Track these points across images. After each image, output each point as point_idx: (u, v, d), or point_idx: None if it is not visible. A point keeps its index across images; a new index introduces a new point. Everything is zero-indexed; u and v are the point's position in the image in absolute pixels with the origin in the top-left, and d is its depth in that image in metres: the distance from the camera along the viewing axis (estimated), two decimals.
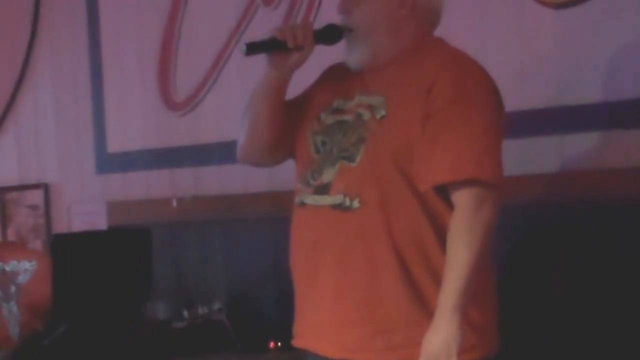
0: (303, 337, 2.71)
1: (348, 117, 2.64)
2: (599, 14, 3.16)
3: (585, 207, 3.14)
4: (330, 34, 2.68)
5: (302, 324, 2.72)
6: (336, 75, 2.75)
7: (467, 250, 2.48)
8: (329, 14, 3.06)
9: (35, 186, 5.25)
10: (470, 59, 2.63)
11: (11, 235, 5.37)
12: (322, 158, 2.65)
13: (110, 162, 4.88)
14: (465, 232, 2.49)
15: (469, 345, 2.52)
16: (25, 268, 4.02)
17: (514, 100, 2.83)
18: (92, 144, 4.95)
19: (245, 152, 2.82)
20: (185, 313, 4.10)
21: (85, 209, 4.96)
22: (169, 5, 4.53)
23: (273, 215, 3.75)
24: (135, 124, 4.74)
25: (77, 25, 4.97)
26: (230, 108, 4.19)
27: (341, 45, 2.71)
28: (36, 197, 5.24)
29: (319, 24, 2.72)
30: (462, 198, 2.51)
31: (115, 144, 4.86)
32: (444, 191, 2.54)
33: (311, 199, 2.64)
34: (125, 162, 4.79)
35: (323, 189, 2.62)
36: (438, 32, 2.73)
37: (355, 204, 2.57)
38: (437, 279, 2.52)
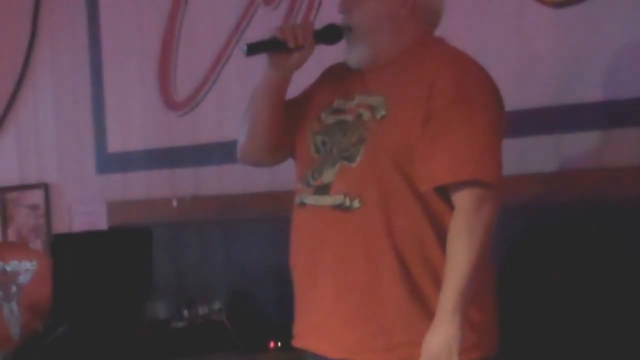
0: (303, 337, 2.72)
1: (348, 117, 2.64)
2: (599, 13, 3.16)
3: (584, 207, 3.14)
4: (330, 34, 2.68)
5: (302, 324, 2.72)
6: (336, 75, 2.75)
7: (467, 250, 2.48)
8: (329, 14, 3.06)
9: (36, 186, 5.25)
10: (470, 58, 2.63)
11: (11, 235, 5.37)
12: (322, 158, 2.65)
13: (110, 162, 4.88)
14: (466, 233, 2.49)
15: (469, 345, 2.52)
16: (26, 268, 4.03)
17: (513, 100, 2.83)
18: (92, 144, 4.96)
19: (245, 152, 2.82)
20: (185, 313, 4.10)
21: (85, 209, 4.96)
22: (169, 5, 4.54)
23: (273, 215, 3.75)
24: (135, 124, 4.75)
25: (77, 25, 4.98)
26: (230, 108, 4.20)
27: (341, 45, 2.71)
28: (36, 197, 5.25)
29: (319, 23, 2.72)
30: (463, 198, 2.51)
31: (115, 144, 4.86)
32: (444, 191, 2.54)
33: (311, 199, 2.64)
34: (125, 162, 4.80)
35: (323, 189, 2.62)
36: (438, 32, 2.73)
37: (356, 204, 2.57)
38: (437, 279, 2.52)
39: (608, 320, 3.08)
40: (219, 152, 4.30)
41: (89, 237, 4.31)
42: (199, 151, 4.46)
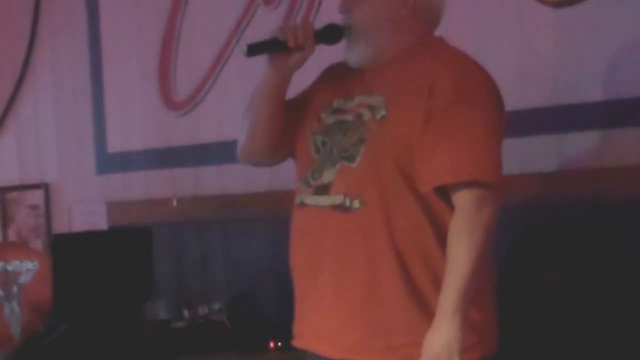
0: (303, 337, 2.71)
1: (348, 117, 2.64)
2: (599, 13, 3.16)
3: (584, 206, 3.14)
4: (331, 34, 2.68)
5: (302, 324, 2.72)
6: (336, 75, 2.75)
7: (467, 251, 2.48)
8: (329, 14, 3.06)
9: (36, 186, 5.25)
10: (470, 59, 2.63)
11: (12, 235, 5.37)
12: (322, 158, 2.65)
13: (110, 162, 4.88)
14: (466, 233, 2.49)
15: (468, 345, 2.51)
16: (28, 268, 4.03)
17: (513, 99, 2.83)
18: (92, 144, 4.96)
19: (245, 152, 2.82)
20: (186, 313, 4.10)
21: (85, 209, 4.96)
22: (169, 5, 4.53)
23: (273, 215, 3.75)
24: (135, 124, 4.75)
25: (77, 25, 4.97)
26: (230, 108, 4.19)
27: (341, 45, 2.70)
28: (36, 197, 5.24)
29: (319, 23, 2.72)
30: (463, 199, 2.51)
31: (115, 144, 4.86)
32: (444, 192, 2.54)
33: (311, 199, 2.64)
34: (125, 162, 4.80)
35: (323, 189, 2.62)
36: (438, 32, 2.73)
37: (356, 204, 2.57)
38: (437, 280, 2.52)
39: (608, 320, 3.08)
40: (219, 152, 4.30)
41: (89, 237, 4.31)
42: (199, 151, 4.46)
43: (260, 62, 2.69)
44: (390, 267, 2.55)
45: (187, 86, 4.49)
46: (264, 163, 2.90)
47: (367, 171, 2.57)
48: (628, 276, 3.05)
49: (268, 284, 4.08)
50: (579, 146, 3.23)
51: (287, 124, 2.74)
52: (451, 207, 2.53)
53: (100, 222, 4.83)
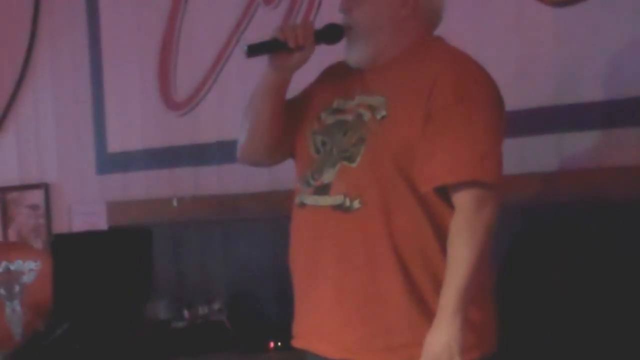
0: (303, 337, 2.71)
1: (348, 117, 2.64)
2: (598, 12, 3.16)
3: (584, 206, 3.14)
4: (331, 34, 2.68)
5: (302, 324, 2.72)
6: (336, 75, 2.75)
7: (468, 251, 2.48)
8: (329, 14, 3.07)
9: (36, 186, 5.25)
10: (470, 59, 2.63)
11: (12, 235, 5.37)
12: (322, 158, 2.65)
13: (110, 162, 4.88)
14: (466, 233, 2.49)
15: (468, 344, 2.51)
16: (30, 268, 4.03)
17: (513, 99, 2.83)
18: (92, 144, 4.96)
19: (245, 152, 2.82)
20: (185, 313, 4.10)
21: (85, 209, 4.96)
22: (169, 5, 4.53)
23: (273, 215, 3.75)
24: (135, 124, 4.75)
25: (77, 25, 4.98)
26: (230, 108, 4.19)
27: (341, 45, 2.70)
28: (37, 197, 5.25)
29: (319, 23, 2.72)
30: (463, 199, 2.51)
31: (115, 144, 4.86)
32: (444, 192, 2.54)
33: (311, 200, 2.64)
34: (125, 162, 4.80)
35: (323, 190, 2.62)
36: (438, 32, 2.72)
37: (356, 204, 2.57)
38: (437, 280, 2.52)
39: (608, 320, 3.08)
40: (219, 152, 4.30)
41: (89, 237, 4.31)
42: (198, 151, 4.46)
43: (261, 62, 2.69)
44: (390, 268, 2.55)
45: (187, 86, 4.49)
46: (264, 163, 2.90)
47: (367, 171, 2.57)
48: (628, 276, 3.05)
49: (268, 284, 4.08)
50: (578, 146, 3.23)
51: (287, 124, 2.73)
52: (451, 207, 2.53)
53: (100, 222, 4.83)
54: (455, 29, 2.97)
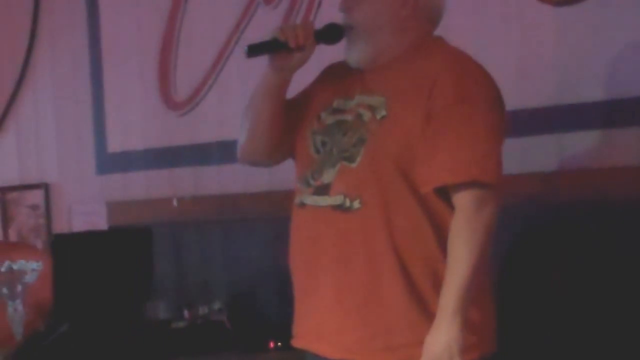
0: (303, 338, 2.71)
1: (348, 117, 2.64)
2: (599, 12, 3.16)
3: (584, 206, 3.14)
4: (331, 34, 2.68)
5: (301, 324, 2.72)
6: (336, 74, 2.75)
7: (468, 251, 2.48)
8: (329, 14, 3.06)
9: (36, 186, 5.25)
10: (471, 59, 2.63)
11: (12, 235, 5.37)
12: (322, 158, 2.65)
13: (110, 162, 4.88)
14: (466, 234, 2.49)
15: (468, 344, 2.51)
16: (33, 268, 4.04)
17: (513, 99, 2.83)
18: (92, 144, 4.96)
19: (245, 152, 2.82)
20: (186, 313, 4.10)
21: (85, 209, 4.96)
22: (169, 5, 4.53)
23: (273, 215, 3.75)
24: (135, 124, 4.75)
25: (77, 25, 4.97)
26: (230, 108, 4.19)
27: (341, 45, 2.70)
28: (37, 197, 5.24)
29: (319, 23, 2.71)
30: (463, 199, 2.51)
31: (115, 144, 4.86)
32: (444, 192, 2.54)
33: (311, 200, 2.64)
34: (125, 162, 4.79)
35: (323, 190, 2.62)
36: (438, 32, 2.72)
37: (356, 204, 2.57)
38: (437, 280, 2.52)
39: (608, 320, 3.08)
40: (219, 152, 4.30)
41: (89, 237, 4.31)
42: (198, 151, 4.46)
43: (261, 62, 2.69)
44: (390, 268, 2.55)
45: (187, 86, 4.49)
46: (264, 163, 2.90)
47: (367, 172, 2.57)
48: (628, 276, 3.05)
49: (268, 284, 4.08)
50: (579, 146, 3.23)
51: (287, 124, 2.73)
52: (451, 207, 2.53)
53: (100, 222, 4.83)
54: (455, 28, 2.97)
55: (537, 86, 3.31)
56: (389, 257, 2.55)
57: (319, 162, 2.65)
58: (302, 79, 2.76)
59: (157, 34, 4.58)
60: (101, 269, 3.88)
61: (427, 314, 2.52)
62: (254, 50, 2.64)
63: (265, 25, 3.96)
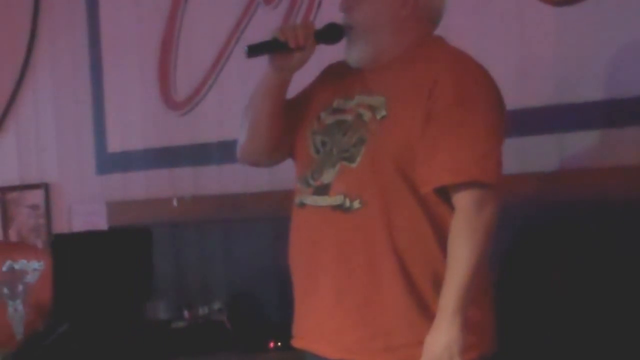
0: (302, 338, 2.71)
1: (348, 117, 2.64)
2: (599, 11, 3.16)
3: (585, 206, 3.14)
4: (331, 33, 2.68)
5: (301, 324, 2.72)
6: (336, 74, 2.75)
7: (468, 252, 2.48)
8: (329, 14, 3.06)
9: (36, 186, 5.25)
10: (471, 59, 2.63)
11: (12, 235, 5.37)
12: (322, 158, 2.65)
13: (110, 162, 4.88)
14: (467, 234, 2.49)
15: (467, 344, 2.51)
16: (34, 268, 4.04)
17: (514, 98, 2.83)
18: (92, 144, 4.96)
19: (245, 152, 2.82)
20: (186, 313, 4.10)
21: (85, 209, 4.96)
22: (169, 5, 4.53)
23: (273, 215, 3.75)
24: (135, 123, 4.75)
25: (77, 25, 4.98)
26: (230, 108, 4.19)
27: (341, 45, 2.70)
28: (37, 197, 5.25)
29: (319, 23, 2.71)
30: (463, 200, 2.50)
31: (115, 144, 4.86)
32: (444, 192, 2.53)
33: (311, 200, 2.64)
34: (125, 162, 4.80)
35: (323, 190, 2.61)
36: (438, 32, 2.72)
37: (356, 204, 2.57)
38: (437, 281, 2.52)
39: (608, 320, 3.08)
40: (219, 152, 4.30)
41: (89, 237, 4.31)
42: (198, 151, 4.46)
43: (261, 62, 2.69)
44: (390, 268, 2.55)
45: (187, 86, 4.49)
46: (264, 163, 2.89)
47: (367, 172, 2.57)
48: (628, 276, 3.05)
49: (268, 284, 4.08)
50: (579, 146, 3.23)
51: (287, 123, 2.73)
52: (451, 207, 2.53)
53: (100, 222, 4.83)
54: (455, 28, 2.97)
55: (537, 86, 3.31)
56: (389, 257, 2.54)
57: (319, 162, 2.65)
58: (302, 79, 2.76)
59: (157, 34, 4.59)
60: (101, 269, 3.88)
61: (427, 314, 2.52)
62: (254, 51, 2.64)
63: (265, 25, 3.96)
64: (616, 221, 3.08)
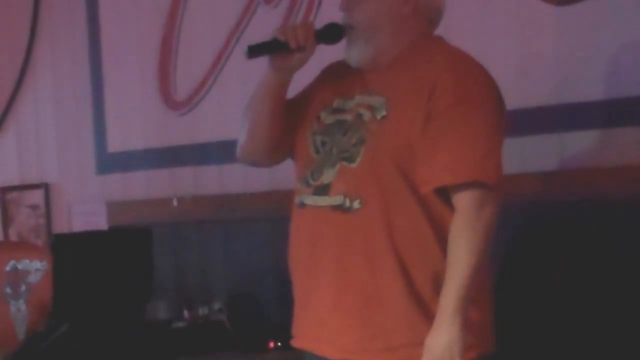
0: (302, 338, 2.71)
1: (348, 117, 2.64)
2: (600, 11, 3.16)
3: (585, 206, 3.14)
4: (331, 33, 2.67)
5: (301, 324, 2.72)
6: (336, 74, 2.75)
7: (468, 252, 2.48)
8: (329, 14, 3.06)
9: (36, 186, 5.25)
10: (471, 59, 2.63)
11: (12, 235, 5.37)
12: (322, 158, 2.65)
13: (110, 162, 4.88)
14: (467, 234, 2.49)
15: (467, 344, 2.51)
16: (37, 268, 4.04)
17: (514, 98, 2.83)
18: (92, 144, 4.96)
19: (245, 152, 2.82)
20: (186, 313, 4.10)
21: (85, 209, 4.96)
22: (169, 5, 4.53)
23: (273, 215, 3.75)
24: (136, 123, 4.74)
25: (77, 25, 4.97)
26: (230, 107, 4.19)
27: (341, 45, 2.70)
28: (37, 197, 5.24)
29: (319, 23, 2.71)
30: (463, 200, 2.50)
31: (115, 144, 4.86)
32: (444, 193, 2.53)
33: (311, 200, 2.64)
34: (125, 162, 4.79)
35: (323, 190, 2.61)
36: (438, 31, 2.72)
37: (356, 205, 2.57)
38: (437, 281, 2.52)
39: (608, 320, 3.08)
40: (219, 152, 4.30)
41: (89, 237, 4.30)
42: (199, 150, 4.45)
43: (261, 62, 2.69)
44: (390, 268, 2.54)
45: (187, 86, 4.49)
46: (264, 163, 2.89)
47: (367, 172, 2.57)
48: (628, 276, 3.05)
49: (268, 284, 4.08)
50: (579, 145, 3.23)
51: (287, 123, 2.73)
52: (451, 207, 2.52)
53: (100, 222, 4.83)
54: (455, 28, 2.97)
55: (537, 85, 3.31)
56: (389, 258, 2.54)
57: (319, 162, 2.65)
58: (302, 79, 2.76)
59: (157, 33, 4.58)
60: (101, 269, 3.88)
61: (427, 314, 2.52)
62: (254, 51, 2.63)
63: (265, 25, 3.97)
64: (616, 221, 3.08)
